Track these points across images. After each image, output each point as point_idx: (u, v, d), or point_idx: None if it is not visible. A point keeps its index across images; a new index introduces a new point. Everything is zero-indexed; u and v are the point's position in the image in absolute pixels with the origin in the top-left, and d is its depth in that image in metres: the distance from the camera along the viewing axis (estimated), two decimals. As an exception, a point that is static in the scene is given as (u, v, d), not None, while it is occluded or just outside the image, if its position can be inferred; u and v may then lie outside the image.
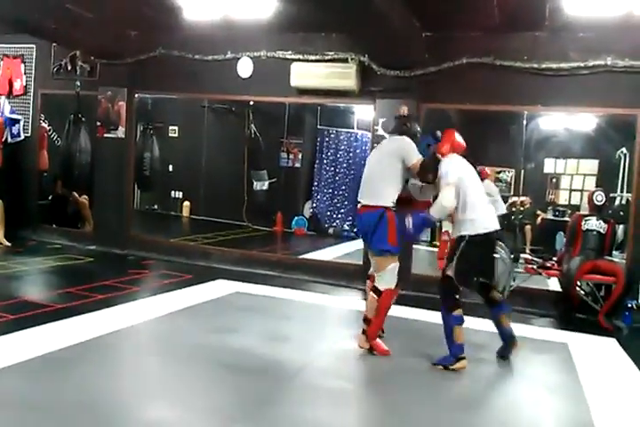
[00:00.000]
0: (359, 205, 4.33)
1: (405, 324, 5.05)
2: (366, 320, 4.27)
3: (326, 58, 6.66)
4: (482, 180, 7.97)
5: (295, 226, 10.27)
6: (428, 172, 4.20)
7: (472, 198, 4.09)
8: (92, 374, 3.54)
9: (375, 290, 4.22)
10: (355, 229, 9.21)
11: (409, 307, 5.49)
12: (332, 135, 10.41)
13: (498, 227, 4.17)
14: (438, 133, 4.38)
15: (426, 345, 4.49)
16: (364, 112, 9.15)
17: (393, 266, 4.20)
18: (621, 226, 6.33)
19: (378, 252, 4.23)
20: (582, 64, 5.83)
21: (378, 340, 4.25)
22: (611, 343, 4.97)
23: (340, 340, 4.50)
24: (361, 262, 6.41)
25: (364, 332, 4.28)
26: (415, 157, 4.20)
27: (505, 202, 9.02)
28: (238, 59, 7.11)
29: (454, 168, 4.13)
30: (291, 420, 3.19)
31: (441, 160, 4.20)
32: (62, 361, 3.72)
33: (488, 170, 8.06)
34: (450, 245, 4.32)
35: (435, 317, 5.37)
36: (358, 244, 6.87)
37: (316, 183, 10.50)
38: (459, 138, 4.33)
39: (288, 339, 4.54)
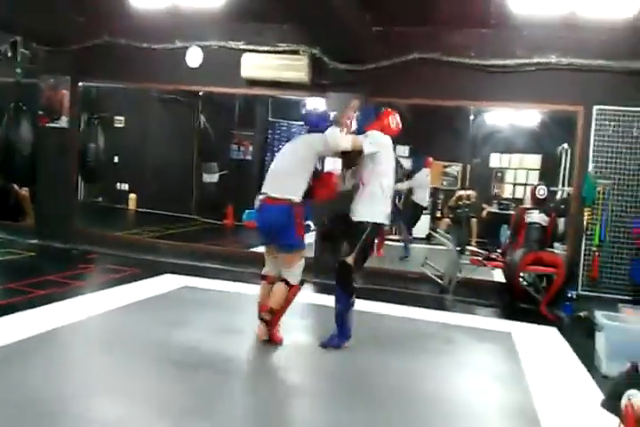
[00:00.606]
0: (263, 197, 4.15)
1: (367, 318, 5.04)
2: (272, 311, 4.13)
3: (278, 49, 6.63)
4: (423, 168, 8.27)
5: (246, 219, 10.14)
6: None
7: (382, 181, 4.17)
8: (35, 372, 3.43)
9: (286, 282, 4.18)
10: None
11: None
12: (284, 127, 10.37)
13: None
14: (381, 110, 4.40)
15: (375, 336, 4.55)
16: (315, 105, 9.15)
17: (302, 262, 4.23)
18: (562, 219, 6.56)
19: (287, 248, 4.18)
20: (527, 61, 6.00)
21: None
22: (552, 332, 5.15)
23: (292, 332, 4.49)
24: (312, 255, 6.42)
25: (267, 324, 4.17)
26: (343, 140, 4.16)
27: (451, 195, 9.25)
28: (187, 48, 6.99)
29: (380, 143, 4.20)
30: (242, 413, 3.18)
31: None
32: (3, 359, 3.59)
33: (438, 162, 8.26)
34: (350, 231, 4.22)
35: (386, 308, 5.47)
36: (309, 237, 6.88)
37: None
38: (392, 121, 4.35)
39: (239, 333, 4.51)
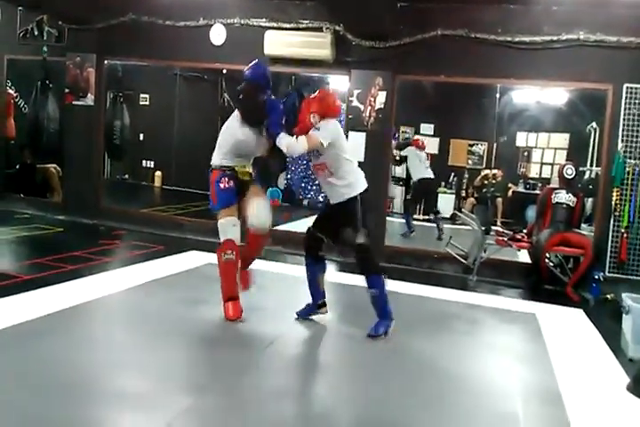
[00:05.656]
0: None
1: (391, 298, 5.03)
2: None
3: (301, 26, 6.56)
4: (410, 146, 8.20)
5: (270, 197, 10.18)
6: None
7: (349, 161, 4.10)
8: (62, 346, 3.51)
9: None
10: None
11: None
12: (307, 106, 10.29)
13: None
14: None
15: (401, 316, 4.55)
16: (339, 83, 9.06)
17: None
18: (590, 199, 6.44)
19: None
20: (555, 38, 5.85)
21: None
22: (578, 314, 5.11)
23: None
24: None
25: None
26: None
27: (477, 175, 9.14)
28: (211, 25, 6.95)
29: (331, 131, 4.01)
30: (264, 390, 3.21)
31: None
32: (30, 333, 3.67)
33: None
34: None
35: (411, 288, 5.48)
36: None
37: (289, 154, 10.42)
38: (333, 101, 4.14)
39: (261, 310, 4.55)
